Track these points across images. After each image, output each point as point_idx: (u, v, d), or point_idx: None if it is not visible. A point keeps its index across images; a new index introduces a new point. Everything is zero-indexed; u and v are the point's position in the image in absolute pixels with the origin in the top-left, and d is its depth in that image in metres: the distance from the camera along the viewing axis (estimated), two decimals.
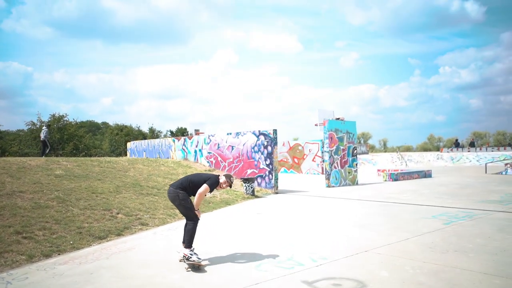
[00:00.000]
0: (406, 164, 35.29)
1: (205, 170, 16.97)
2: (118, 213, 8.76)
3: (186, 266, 5.36)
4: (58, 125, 35.62)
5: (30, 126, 35.81)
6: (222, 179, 5.85)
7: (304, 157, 26.49)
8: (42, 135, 21.40)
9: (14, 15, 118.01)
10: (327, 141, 16.90)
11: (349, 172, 17.72)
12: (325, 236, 7.27)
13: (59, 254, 6.13)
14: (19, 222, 7.10)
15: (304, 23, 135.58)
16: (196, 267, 5.33)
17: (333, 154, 16.91)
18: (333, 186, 16.61)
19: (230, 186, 6.00)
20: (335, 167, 16.96)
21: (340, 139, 17.39)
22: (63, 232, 7.09)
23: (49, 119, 35.90)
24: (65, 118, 37.04)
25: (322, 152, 24.79)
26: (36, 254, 5.96)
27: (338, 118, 18.43)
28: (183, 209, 5.71)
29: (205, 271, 5.23)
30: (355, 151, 18.37)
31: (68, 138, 34.42)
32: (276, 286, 4.59)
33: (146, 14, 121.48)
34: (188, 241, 5.55)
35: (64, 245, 6.47)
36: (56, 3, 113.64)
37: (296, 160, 27.06)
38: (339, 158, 17.22)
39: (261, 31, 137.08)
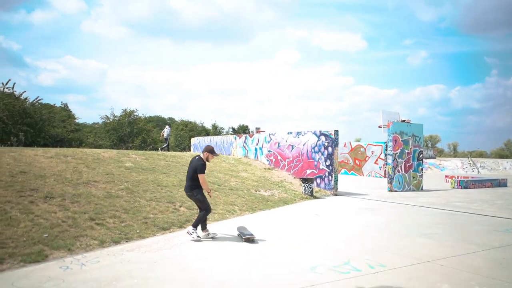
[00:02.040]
0: (478, 171, 33.10)
1: (265, 169, 17.17)
2: (180, 206, 9.18)
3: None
4: (128, 119, 37.79)
5: (104, 120, 38.39)
6: (204, 156, 7.26)
7: (366, 159, 25.81)
8: (165, 133, 23.89)
9: (92, 16, 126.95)
10: (391, 143, 16.35)
11: (413, 177, 17.02)
12: (385, 242, 7.07)
13: (126, 241, 6.57)
14: (93, 209, 7.71)
15: (369, 20, 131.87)
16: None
17: (397, 157, 16.33)
18: (395, 191, 16.05)
19: (212, 153, 7.29)
20: (398, 171, 16.37)
21: (405, 142, 16.74)
22: (131, 221, 7.58)
23: (121, 114, 38.20)
24: (135, 113, 39.19)
25: (385, 155, 23.95)
26: (107, 240, 6.44)
27: (403, 120, 17.76)
28: (197, 202, 7.27)
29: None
30: (421, 155, 17.58)
31: (137, 132, 36.33)
32: None
33: (212, 13, 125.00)
34: (195, 222, 7.03)
35: (131, 234, 6.92)
36: (130, 5, 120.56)
37: (357, 161, 26.45)
38: (403, 162, 16.59)
39: (324, 29, 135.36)
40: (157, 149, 32.78)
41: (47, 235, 6.17)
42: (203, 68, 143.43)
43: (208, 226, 8.14)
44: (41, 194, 7.92)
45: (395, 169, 16.23)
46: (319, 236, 7.47)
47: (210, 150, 7.30)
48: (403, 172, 16.56)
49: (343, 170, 26.85)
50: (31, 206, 7.24)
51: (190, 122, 50.21)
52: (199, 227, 7.10)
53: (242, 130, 50.44)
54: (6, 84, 26.34)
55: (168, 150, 24.72)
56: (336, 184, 14.79)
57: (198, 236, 6.88)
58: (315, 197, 13.39)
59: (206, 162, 7.28)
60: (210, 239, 7.07)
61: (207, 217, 7.32)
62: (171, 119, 77.46)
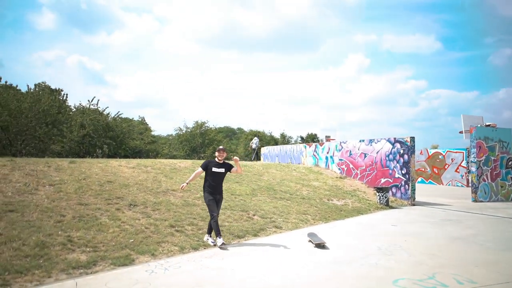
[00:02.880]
0: None
1: (336, 177, 16.84)
2: (254, 215, 9.29)
3: None
4: (200, 130, 39.28)
5: (177, 131, 40.31)
6: (216, 154, 7.26)
7: (446, 167, 24.25)
8: (253, 144, 25.38)
9: (164, 34, 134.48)
10: (474, 150, 15.21)
11: (501, 186, 15.65)
12: (473, 256, 6.56)
13: (204, 248, 6.78)
14: (172, 217, 8.08)
15: (443, 19, 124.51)
16: None
17: (481, 165, 15.15)
18: (481, 201, 14.86)
19: (224, 151, 7.30)
20: (484, 180, 15.16)
21: (491, 149, 15.48)
22: (207, 228, 7.81)
23: (193, 125, 39.83)
24: (206, 124, 40.64)
25: (468, 163, 22.36)
26: (186, 246, 6.70)
27: (488, 125, 16.48)
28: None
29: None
30: (510, 163, 16.14)
31: (208, 143, 37.60)
32: None
33: (276, 23, 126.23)
34: (208, 229, 7.17)
35: (208, 241, 7.13)
36: (199, 21, 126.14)
37: (435, 170, 24.95)
38: (489, 170, 15.33)
39: (394, 32, 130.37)
40: (226, 159, 33.59)
41: (132, 240, 6.57)
42: (271, 77, 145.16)
43: (280, 235, 8.17)
44: (126, 202, 8.47)
45: (480, 177, 15.05)
46: (398, 248, 7.11)
47: (216, 149, 7.40)
48: (490, 180, 15.29)
49: (420, 179, 25.46)
50: (118, 213, 7.77)
51: (259, 132, 50.89)
52: (213, 234, 7.06)
53: (311, 138, 50.04)
54: (92, 101, 28.67)
55: (258, 160, 25.53)
56: (414, 193, 14.06)
57: (212, 242, 6.95)
58: (391, 207, 12.83)
59: (214, 161, 7.24)
60: (248, 247, 7.02)
61: (215, 222, 6.98)
62: (240, 129, 79.14)
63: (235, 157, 7.34)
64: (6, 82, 22.40)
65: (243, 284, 5.00)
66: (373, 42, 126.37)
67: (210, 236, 7.09)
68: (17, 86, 22.80)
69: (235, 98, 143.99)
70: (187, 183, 7.22)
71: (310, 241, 7.48)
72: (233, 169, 7.40)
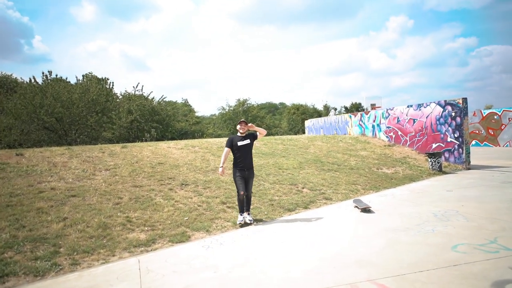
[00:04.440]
0: None
1: (385, 146, 16.40)
2: (303, 188, 9.29)
3: None
4: (242, 108, 39.52)
5: (220, 111, 40.81)
6: (238, 128, 7.04)
7: (502, 127, 22.89)
8: None
9: (200, 13, 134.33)
10: None
11: None
12: None
13: (256, 223, 6.88)
14: (223, 194, 8.26)
15: None
16: None
17: None
18: None
19: (246, 123, 7.02)
20: None
21: None
22: (258, 203, 7.92)
23: (236, 103, 40.12)
24: (248, 102, 40.78)
25: None
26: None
27: None
28: None
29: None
30: None
31: (251, 120, 37.85)
32: (478, 270, 4.17)
33: None
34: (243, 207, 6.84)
35: (260, 215, 7.23)
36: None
37: (491, 131, 23.63)
38: None
39: None
40: (271, 135, 33.57)
41: (187, 218, 6.80)
42: (311, 50, 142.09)
43: (330, 206, 8.12)
44: (177, 182, 8.74)
45: None
46: (455, 213, 6.86)
47: (242, 122, 7.08)
48: None
49: (474, 142, 24.26)
50: (171, 193, 8.04)
51: (302, 105, 50.39)
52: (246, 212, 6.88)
53: (355, 108, 48.88)
54: (136, 87, 29.57)
55: None
56: (468, 157, 13.43)
57: (240, 222, 6.71)
58: (445, 172, 12.36)
59: (237, 136, 6.98)
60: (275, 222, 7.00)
61: (240, 201, 6.78)
62: (282, 103, 78.69)
63: (249, 124, 7.09)
64: (56, 75, 23.53)
65: (298, 253, 5.04)
66: (416, 2, 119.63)
67: (248, 214, 6.88)
68: (66, 78, 23.96)
69: (275, 74, 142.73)
70: (222, 167, 6.87)
71: (356, 206, 7.75)
72: (258, 136, 7.20)
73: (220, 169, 6.88)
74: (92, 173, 8.70)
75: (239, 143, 6.87)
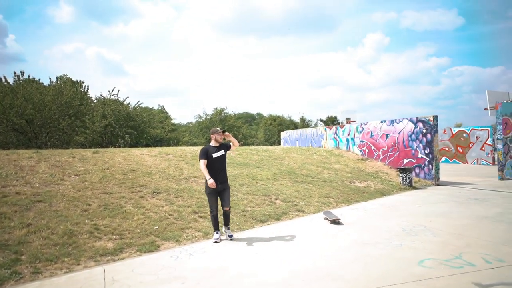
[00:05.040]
0: None
1: (358, 159, 16.66)
2: (276, 199, 9.30)
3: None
4: (219, 117, 39.43)
5: (197, 119, 40.62)
6: (213, 139, 6.60)
7: (470, 145, 23.67)
8: None
9: (181, 22, 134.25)
10: (500, 127, 14.76)
11: None
12: (502, 235, 6.40)
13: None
14: (195, 203, 8.16)
15: None
16: None
17: (508, 142, 14.70)
18: (508, 179, 14.47)
19: (223, 132, 6.62)
20: (510, 157, 14.73)
21: None
22: (231, 214, 7.85)
23: (213, 112, 40.00)
24: (225, 111, 40.74)
25: (494, 140, 21.78)
26: (210, 232, 6.74)
27: None
28: None
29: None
30: None
31: (228, 129, 37.80)
32: (442, 285, 4.26)
33: (293, 5, 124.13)
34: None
35: (232, 226, 7.16)
36: (215, 7, 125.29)
37: (460, 148, 24.39)
38: None
39: (414, 8, 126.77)
40: (246, 145, 33.60)
41: (157, 227, 6.68)
42: (289, 62, 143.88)
43: (302, 218, 8.15)
44: (149, 190, 8.59)
45: (506, 154, 14.63)
46: (423, 228, 7.00)
47: (213, 132, 6.63)
48: None
49: (443, 158, 24.96)
50: (142, 201, 7.90)
51: (278, 117, 50.71)
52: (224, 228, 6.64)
53: (331, 121, 49.56)
54: (112, 91, 29.04)
55: None
56: (438, 173, 13.79)
57: (214, 238, 6.34)
58: (415, 188, 12.64)
59: (211, 147, 6.53)
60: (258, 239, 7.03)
61: (213, 217, 6.43)
62: (259, 114, 78.97)
63: (226, 132, 6.66)
64: (29, 76, 22.85)
65: (268, 265, 5.02)
66: (392, 20, 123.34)
67: (228, 228, 6.60)
68: (39, 79, 23.29)
69: (254, 84, 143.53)
70: (211, 178, 6.18)
71: (326, 218, 7.86)
72: (231, 146, 6.86)
73: (211, 180, 6.13)
74: (60, 178, 8.45)
75: (214, 155, 6.43)
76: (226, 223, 6.59)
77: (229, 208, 6.56)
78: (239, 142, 6.99)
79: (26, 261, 4.98)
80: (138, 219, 6.92)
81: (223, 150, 6.59)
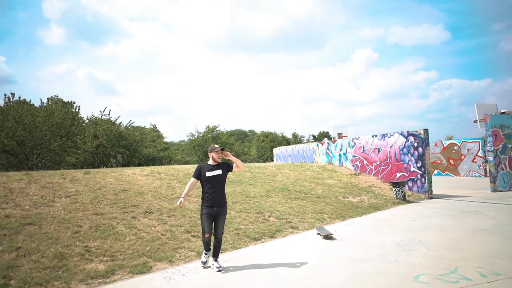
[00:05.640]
0: None
1: (351, 174, 16.69)
2: (270, 216, 9.23)
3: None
4: (212, 134, 39.46)
5: (189, 137, 40.58)
6: (211, 158, 6.00)
7: (462, 157, 23.85)
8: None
9: (169, 41, 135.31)
10: (490, 139, 14.91)
11: None
12: (497, 248, 6.40)
13: (221, 252, 6.72)
14: (187, 222, 8.08)
15: (450, 8, 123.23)
16: None
17: (498, 153, 14.84)
18: (500, 190, 14.56)
19: (222, 150, 6.00)
20: (502, 169, 14.85)
21: (508, 136, 15.16)
22: (224, 232, 7.77)
23: (205, 130, 40.03)
24: (218, 128, 40.81)
25: (484, 152, 21.98)
26: (202, 251, 6.65)
27: (503, 112, 16.14)
28: None
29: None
30: None
31: (221, 146, 37.83)
32: None
33: (282, 24, 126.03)
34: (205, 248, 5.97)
35: (225, 245, 7.09)
36: (204, 25, 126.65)
37: (451, 161, 24.56)
38: (507, 158, 15.01)
39: (401, 24, 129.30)
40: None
41: (149, 247, 6.58)
42: (280, 78, 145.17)
43: (296, 235, 8.09)
44: (141, 209, 8.49)
45: (497, 166, 14.74)
46: (418, 242, 6.98)
47: (210, 150, 6.04)
48: (508, 169, 14.96)
49: (436, 171, 25.09)
50: (134, 221, 7.79)
51: (271, 133, 50.82)
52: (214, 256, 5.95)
53: (323, 136, 49.76)
54: (103, 111, 29.02)
55: None
56: (430, 186, 13.84)
57: (202, 262, 5.97)
58: (408, 201, 12.65)
59: (207, 165, 5.98)
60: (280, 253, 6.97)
61: (205, 243, 5.88)
62: (251, 131, 79.15)
63: (225, 151, 6.04)
64: (19, 97, 22.73)
65: (262, 284, 4.95)
66: (380, 36, 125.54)
67: (216, 260, 5.87)
68: (30, 101, 23.11)
69: (245, 101, 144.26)
70: (183, 198, 5.90)
71: (318, 234, 7.90)
72: (234, 168, 6.03)
73: (180, 200, 5.88)
74: (51, 200, 8.33)
75: (208, 174, 5.80)
76: (215, 254, 5.88)
77: (221, 236, 5.92)
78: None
79: (15, 286, 4.85)
80: (130, 239, 6.81)
81: (220, 170, 5.87)
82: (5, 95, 21.82)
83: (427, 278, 5.00)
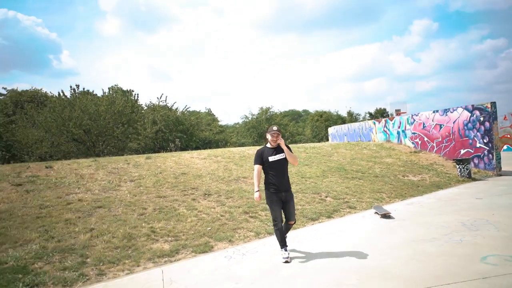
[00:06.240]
0: None
1: (410, 152, 16.08)
2: (326, 197, 9.20)
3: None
4: (265, 116, 39.58)
5: (243, 119, 41.03)
6: (268, 138, 5.39)
7: None
8: None
9: (222, 24, 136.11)
10: None
11: None
12: None
13: None
14: (245, 203, 8.26)
15: None
16: None
17: None
18: None
19: (279, 132, 5.35)
20: None
21: None
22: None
23: (259, 112, 40.23)
24: (271, 109, 40.83)
25: None
26: (261, 232, 6.81)
27: None
28: None
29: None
30: None
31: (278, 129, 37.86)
32: (509, 283, 4.01)
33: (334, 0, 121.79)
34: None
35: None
36: (255, 6, 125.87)
37: None
38: None
39: None
40: (294, 142, 33.42)
41: (210, 228, 6.83)
42: (333, 56, 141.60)
43: (354, 215, 7.99)
44: (200, 192, 8.81)
45: None
46: (485, 222, 6.62)
47: (268, 131, 5.46)
48: None
49: (505, 147, 23.47)
50: (194, 203, 8.11)
51: (325, 112, 49.98)
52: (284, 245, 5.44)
53: (380, 114, 48.12)
54: (160, 97, 30.09)
55: None
56: (499, 162, 13.00)
57: (284, 258, 5.29)
58: (474, 179, 11.99)
59: (267, 149, 5.44)
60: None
61: (278, 231, 5.38)
62: (305, 111, 78.40)
63: (280, 137, 5.39)
64: (83, 88, 24.20)
65: (320, 265, 4.98)
66: (440, 3, 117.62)
67: (286, 251, 5.35)
68: (93, 91, 24.56)
69: (298, 80, 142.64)
70: (258, 191, 5.33)
71: (376, 212, 7.85)
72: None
73: (256, 194, 5.32)
74: (117, 184, 8.88)
75: (271, 159, 5.34)
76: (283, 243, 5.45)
77: (294, 222, 5.56)
78: (285, 140, 5.51)
79: (91, 264, 5.28)
80: (192, 221, 7.11)
81: (283, 154, 5.37)
82: (70, 87, 23.26)
83: (496, 259, 4.75)
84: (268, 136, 5.40)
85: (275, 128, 5.43)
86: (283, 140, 5.41)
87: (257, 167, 5.36)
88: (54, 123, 20.32)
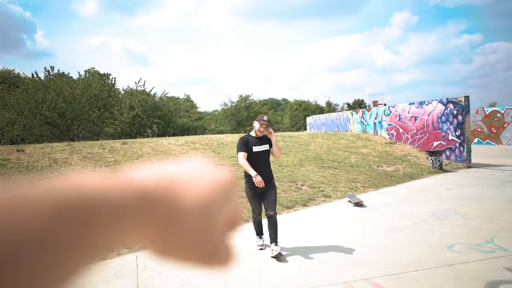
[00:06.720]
0: None
1: (386, 143, 16.40)
2: (302, 185, 9.31)
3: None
4: (245, 104, 39.53)
5: (222, 106, 40.87)
6: (255, 126, 5.09)
7: (505, 125, 22.82)
8: None
9: (202, 10, 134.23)
10: None
11: None
12: None
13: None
14: None
15: None
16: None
17: None
18: None
19: (268, 123, 5.03)
20: None
21: None
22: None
23: (238, 99, 40.13)
24: (250, 98, 40.78)
25: None
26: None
27: None
28: None
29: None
30: None
31: (254, 116, 37.88)
32: (472, 270, 4.19)
33: None
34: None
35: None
36: None
37: (493, 129, 23.57)
38: None
39: None
40: (274, 131, 33.58)
41: None
42: (314, 46, 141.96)
43: (329, 204, 8.12)
44: None
45: None
46: (453, 212, 6.87)
47: (257, 119, 5.15)
48: None
49: (476, 140, 24.20)
50: None
51: (304, 102, 50.31)
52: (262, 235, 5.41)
53: (358, 105, 48.76)
54: (138, 82, 29.57)
55: None
56: (470, 155, 13.41)
57: (258, 246, 5.33)
58: (445, 171, 12.35)
59: (252, 138, 5.10)
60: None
61: (256, 223, 5.32)
62: (284, 100, 78.60)
63: (270, 129, 5.07)
64: (58, 70, 23.56)
65: (294, 252, 5.07)
66: None
67: (276, 244, 5.01)
68: (69, 73, 23.92)
69: (278, 69, 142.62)
70: (258, 175, 4.83)
71: (349, 201, 8.01)
72: (272, 149, 5.18)
73: (259, 178, 4.81)
74: (92, 170, 8.74)
75: (255, 149, 5.01)
76: (274, 238, 5.03)
77: (275, 214, 5.10)
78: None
79: None
80: None
81: (267, 145, 5.12)
82: (45, 68, 22.63)
83: (461, 247, 4.95)
84: (256, 124, 5.07)
85: (265, 118, 5.09)
86: (273, 133, 5.13)
87: (243, 154, 4.96)
88: (27, 106, 19.76)
